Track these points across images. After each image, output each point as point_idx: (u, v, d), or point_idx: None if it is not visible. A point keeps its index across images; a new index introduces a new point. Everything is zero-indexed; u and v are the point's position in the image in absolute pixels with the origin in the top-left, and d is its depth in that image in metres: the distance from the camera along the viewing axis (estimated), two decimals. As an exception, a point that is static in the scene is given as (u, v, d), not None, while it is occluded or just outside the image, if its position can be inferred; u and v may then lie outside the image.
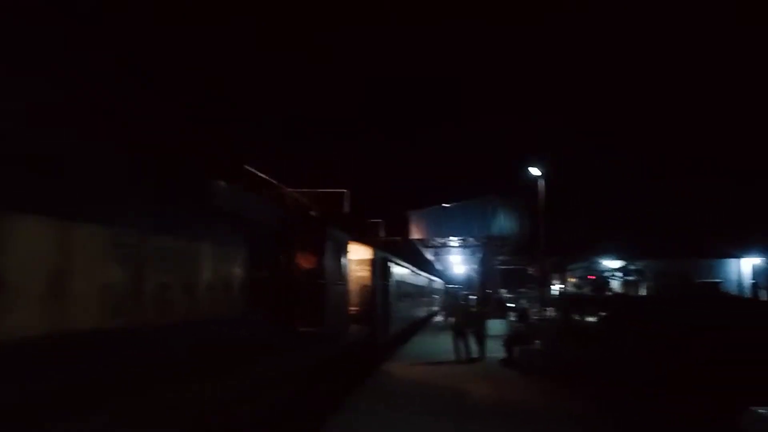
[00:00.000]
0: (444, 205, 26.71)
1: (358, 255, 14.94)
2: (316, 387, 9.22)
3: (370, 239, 18.70)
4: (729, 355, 10.38)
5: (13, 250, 3.80)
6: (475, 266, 38.54)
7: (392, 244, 25.71)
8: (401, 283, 21.65)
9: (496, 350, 15.56)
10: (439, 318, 34.98)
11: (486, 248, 28.94)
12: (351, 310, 13.15)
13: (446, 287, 56.25)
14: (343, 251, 11.92)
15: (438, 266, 47.07)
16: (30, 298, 3.94)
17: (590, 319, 21.24)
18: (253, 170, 11.32)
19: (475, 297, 25.13)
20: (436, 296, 44.46)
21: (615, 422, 8.72)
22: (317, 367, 9.25)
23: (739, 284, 38.12)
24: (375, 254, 15.69)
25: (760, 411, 5.67)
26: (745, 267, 39.25)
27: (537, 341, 14.60)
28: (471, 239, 29.20)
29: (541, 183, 20.84)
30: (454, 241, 30.81)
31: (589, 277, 39.00)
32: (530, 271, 46.76)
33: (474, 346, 15.56)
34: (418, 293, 29.44)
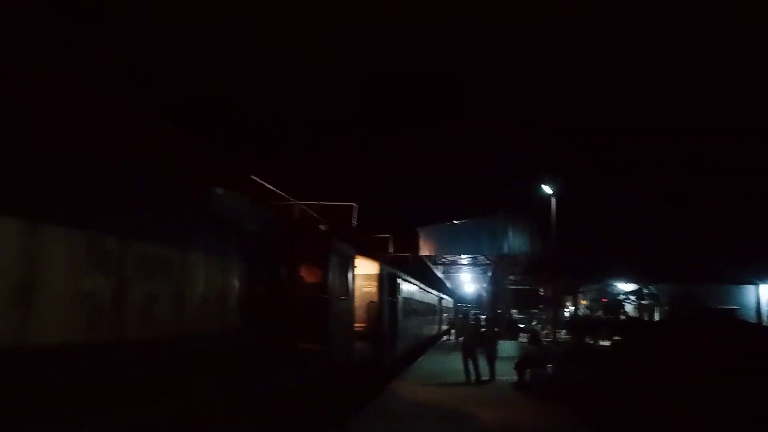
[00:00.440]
0: (454, 221, 26.14)
1: (365, 270, 14.48)
2: (313, 408, 8.70)
3: (377, 254, 18.18)
4: (746, 383, 9.84)
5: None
6: (486, 285, 37.85)
7: (401, 260, 25.17)
8: (410, 300, 21.12)
9: (506, 373, 14.97)
10: (449, 338, 34.31)
11: (497, 267, 28.31)
12: (356, 327, 12.65)
13: (456, 306, 55.54)
14: (349, 265, 11.46)
15: (448, 284, 46.41)
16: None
17: (604, 343, 20.65)
18: (259, 180, 10.93)
19: (485, 317, 24.51)
20: (446, 314, 43.77)
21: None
22: (313, 387, 8.74)
23: (758, 311, 37.17)
24: (382, 269, 15.21)
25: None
26: (763, 294, 38.28)
27: (549, 365, 13.99)
28: (481, 257, 28.58)
29: (554, 201, 20.30)
30: (464, 258, 30.22)
31: (602, 300, 38.24)
32: (542, 292, 46.01)
33: (484, 368, 14.98)
34: (428, 311, 28.84)
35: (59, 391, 4.00)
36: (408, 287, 20.87)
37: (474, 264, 31.77)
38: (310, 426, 8.35)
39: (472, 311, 39.06)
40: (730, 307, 37.01)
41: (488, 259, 28.35)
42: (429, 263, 31.31)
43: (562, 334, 22.04)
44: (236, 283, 6.98)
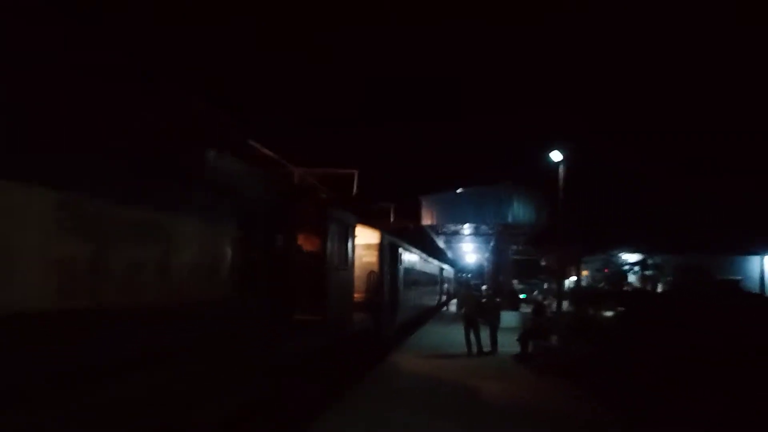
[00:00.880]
0: (458, 190, 25.68)
1: (365, 239, 14.12)
2: (311, 380, 8.41)
3: (379, 223, 17.81)
4: (749, 355, 9.57)
5: None
6: (488, 255, 37.56)
7: (403, 230, 24.80)
8: (411, 270, 20.81)
9: (509, 344, 14.71)
10: (451, 308, 34.18)
11: (500, 237, 27.94)
12: (356, 298, 12.32)
13: (458, 276, 55.45)
14: (349, 234, 11.07)
15: (450, 254, 46.17)
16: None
17: (607, 314, 20.36)
18: (257, 145, 10.48)
19: (486, 287, 24.24)
20: (447, 285, 43.64)
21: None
22: (310, 359, 8.44)
23: (761, 281, 36.94)
24: (383, 238, 14.84)
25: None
26: (767, 264, 38.00)
27: (553, 337, 13.70)
28: (484, 227, 28.18)
29: (562, 168, 19.79)
30: (466, 228, 29.84)
31: (605, 270, 37.99)
32: (543, 262, 45.70)
33: (486, 340, 14.72)
34: (429, 281, 28.59)
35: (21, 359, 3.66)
36: (409, 257, 20.54)
37: (476, 234, 31.41)
38: (306, 399, 8.06)
39: (474, 281, 38.83)
40: (734, 278, 36.77)
41: (491, 229, 27.98)
42: (431, 233, 30.97)
43: (565, 305, 21.73)
44: (229, 250, 6.59)
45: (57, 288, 3.98)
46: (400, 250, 17.66)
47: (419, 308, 23.75)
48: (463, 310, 15.09)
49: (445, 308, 36.08)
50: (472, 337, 14.48)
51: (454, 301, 38.49)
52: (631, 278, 34.08)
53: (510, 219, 25.15)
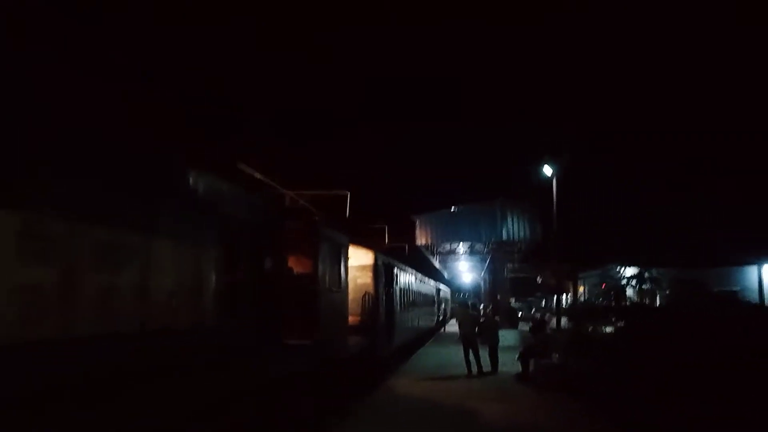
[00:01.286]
0: (452, 209, 25.47)
1: (358, 260, 13.80)
2: (299, 408, 8.03)
3: (373, 244, 17.48)
4: (753, 366, 9.29)
5: None
6: (484, 274, 37.27)
7: (397, 251, 24.52)
8: (407, 291, 20.45)
9: (509, 363, 14.33)
10: (449, 329, 33.72)
11: (495, 254, 27.69)
12: (351, 320, 11.97)
13: (455, 296, 55.00)
14: (342, 255, 10.76)
15: (446, 274, 45.83)
16: None
17: (607, 329, 20.01)
18: (247, 169, 10.22)
19: (483, 306, 23.90)
20: (445, 305, 43.20)
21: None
22: (300, 385, 8.07)
23: (760, 292, 36.64)
24: (377, 259, 14.52)
25: None
26: (766, 274, 37.75)
27: (555, 354, 13.34)
28: (479, 245, 27.95)
29: (555, 182, 19.61)
30: (461, 247, 29.59)
31: (602, 285, 37.65)
32: (540, 279, 45.40)
33: (486, 359, 14.34)
34: (426, 301, 28.20)
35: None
36: (405, 277, 20.20)
37: (472, 252, 31.16)
38: (292, 428, 7.67)
39: (471, 300, 38.45)
40: (731, 289, 36.47)
41: (486, 247, 27.74)
42: (426, 253, 30.68)
43: (563, 321, 21.38)
44: (211, 272, 6.28)
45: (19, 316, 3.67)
46: (396, 270, 17.33)
47: (416, 330, 23.33)
48: (461, 330, 14.72)
49: (442, 329, 35.61)
50: (472, 357, 14.10)
51: (452, 321, 38.07)
52: (629, 292, 33.73)
53: (504, 236, 24.95)
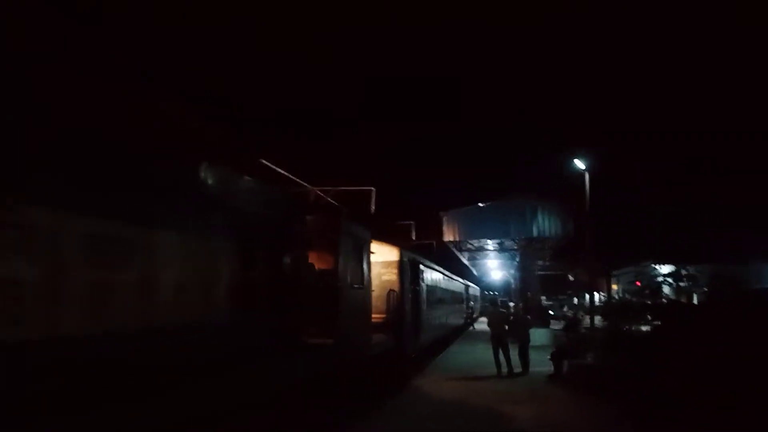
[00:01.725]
0: (479, 204, 24.85)
1: (384, 257, 13.37)
2: (320, 410, 7.63)
3: (399, 241, 17.02)
4: None
5: None
6: (513, 271, 36.53)
7: (425, 248, 24.02)
8: (434, 288, 19.95)
9: (540, 363, 13.77)
10: (477, 327, 33.14)
11: (525, 251, 27.00)
12: (375, 318, 11.54)
13: (485, 293, 54.29)
14: (364, 250, 10.34)
15: (474, 271, 45.16)
16: None
17: (644, 328, 19.25)
18: (269, 165, 9.87)
19: (513, 304, 23.26)
20: (474, 303, 42.54)
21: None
22: (321, 385, 7.67)
23: (802, 290, 35.23)
24: (403, 255, 14.07)
25: None
26: (808, 272, 36.30)
27: (589, 354, 12.73)
28: (509, 242, 27.28)
29: (587, 176, 18.92)
30: (490, 244, 28.94)
31: (636, 283, 36.67)
32: (571, 277, 44.42)
33: (516, 359, 13.79)
34: (454, 299, 27.66)
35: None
36: (431, 275, 19.71)
37: (501, 249, 30.51)
38: (316, 430, 7.28)
39: (501, 298, 37.77)
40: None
41: (516, 244, 27.07)
42: (454, 250, 30.14)
43: (597, 320, 20.65)
44: (224, 268, 5.91)
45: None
46: (422, 267, 16.85)
47: (444, 328, 22.82)
48: (491, 329, 14.19)
49: (471, 327, 35.03)
50: (502, 357, 13.58)
51: (481, 319, 37.42)
52: (666, 290, 32.68)
53: (535, 233, 24.26)
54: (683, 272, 33.17)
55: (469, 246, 29.16)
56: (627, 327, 17.31)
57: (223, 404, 5.21)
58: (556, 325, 23.72)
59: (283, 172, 10.38)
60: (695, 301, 31.73)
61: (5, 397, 3.30)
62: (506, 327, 14.14)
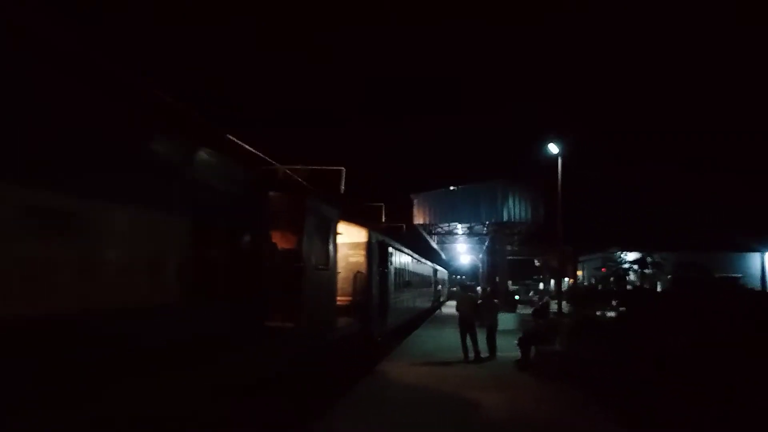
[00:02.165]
0: (451, 187, 24.59)
1: (351, 238, 13.01)
2: (282, 396, 7.26)
3: (368, 223, 16.65)
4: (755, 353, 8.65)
5: None
6: (482, 256, 36.51)
7: (394, 231, 23.67)
8: (402, 271, 19.69)
9: (507, 348, 13.61)
10: (444, 311, 33.11)
11: (495, 236, 26.88)
12: (341, 301, 11.19)
13: (453, 277, 54.44)
14: (331, 231, 9.95)
15: (443, 255, 45.15)
16: None
17: (609, 314, 19.33)
18: (236, 141, 9.34)
19: (481, 288, 23.16)
20: (441, 286, 42.54)
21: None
22: (283, 370, 7.30)
23: (762, 279, 36.04)
24: (371, 237, 13.72)
25: None
26: (768, 261, 37.16)
27: (557, 340, 12.59)
28: (479, 226, 27.10)
29: (560, 161, 18.77)
30: (460, 228, 28.77)
31: (602, 269, 37.03)
32: (537, 262, 44.69)
33: (483, 344, 13.61)
34: (422, 282, 27.50)
35: None
36: (400, 257, 19.43)
37: (471, 234, 30.39)
38: (277, 420, 6.90)
39: (469, 282, 37.80)
40: (733, 275, 35.87)
41: (486, 228, 26.93)
42: (424, 233, 29.92)
43: (564, 305, 20.69)
44: (178, 247, 5.46)
45: None
46: (390, 249, 16.54)
47: (412, 311, 22.62)
48: (459, 313, 13.96)
49: (439, 311, 35.00)
50: (469, 341, 13.37)
51: (449, 303, 37.40)
52: (631, 277, 33.06)
53: (505, 217, 24.09)
54: (649, 259, 33.63)
55: (438, 229, 28.94)
56: (594, 313, 17.34)
57: (171, 395, 4.78)
58: (522, 310, 23.72)
59: (249, 148, 9.87)
60: (659, 288, 32.21)
61: None
62: (475, 311, 13.92)
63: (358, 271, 12.92)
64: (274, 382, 7.03)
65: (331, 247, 9.83)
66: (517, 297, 32.95)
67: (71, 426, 3.71)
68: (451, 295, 39.65)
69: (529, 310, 21.16)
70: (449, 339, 15.69)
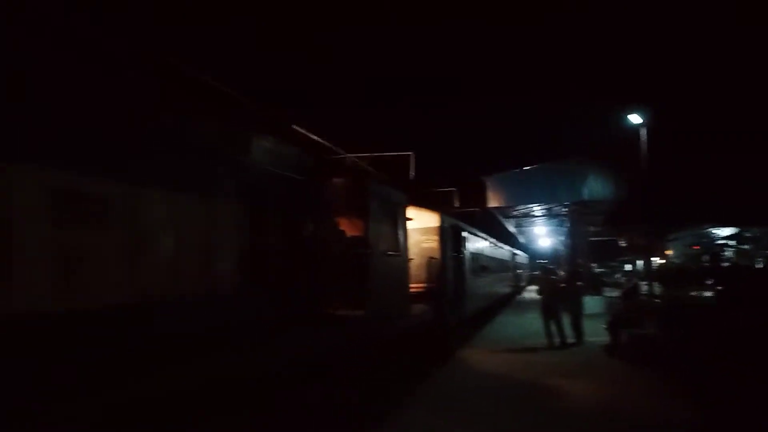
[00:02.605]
0: (525, 168, 23.56)
1: (423, 223, 12.58)
2: (349, 387, 6.95)
3: (441, 207, 16.15)
4: None
5: None
6: (562, 238, 35.13)
7: (468, 215, 23.01)
8: (478, 255, 19.06)
9: (595, 333, 12.83)
10: (525, 295, 32.21)
11: (575, 216, 25.66)
12: (414, 288, 10.80)
13: (534, 261, 53.03)
14: (399, 215, 9.55)
15: (521, 239, 43.90)
16: None
17: (706, 294, 17.99)
18: (302, 131, 9.12)
19: (563, 272, 22.17)
20: (521, 270, 41.42)
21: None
22: (349, 360, 6.98)
23: None
24: (443, 221, 13.24)
25: None
26: None
27: (649, 324, 11.68)
28: (557, 207, 25.92)
29: (643, 132, 17.53)
30: (537, 209, 27.66)
31: (693, 247, 34.93)
32: (622, 242, 42.63)
33: (569, 329, 12.88)
34: (500, 267, 26.71)
35: None
36: (475, 241, 18.81)
37: (549, 215, 29.21)
38: (347, 410, 6.61)
39: (550, 266, 36.70)
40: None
41: (565, 208, 25.75)
42: (499, 216, 29.02)
43: (654, 287, 19.43)
44: (229, 235, 5.22)
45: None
46: (464, 233, 15.98)
47: (490, 297, 21.96)
48: (542, 297, 13.28)
49: (519, 296, 34.06)
50: (553, 326, 12.68)
51: (530, 287, 36.35)
52: (727, 254, 30.94)
53: (586, 195, 22.86)
54: (746, 234, 31.34)
55: (515, 212, 27.96)
56: (688, 294, 16.14)
57: (227, 384, 4.54)
58: (608, 293, 22.56)
59: (317, 138, 9.65)
60: (759, 266, 29.93)
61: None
62: (556, 295, 13.20)
63: (432, 257, 12.49)
64: (337, 370, 6.73)
65: (401, 232, 9.45)
66: (603, 279, 31.53)
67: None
68: (532, 279, 38.53)
69: (615, 293, 20.07)
70: (532, 324, 15.01)
